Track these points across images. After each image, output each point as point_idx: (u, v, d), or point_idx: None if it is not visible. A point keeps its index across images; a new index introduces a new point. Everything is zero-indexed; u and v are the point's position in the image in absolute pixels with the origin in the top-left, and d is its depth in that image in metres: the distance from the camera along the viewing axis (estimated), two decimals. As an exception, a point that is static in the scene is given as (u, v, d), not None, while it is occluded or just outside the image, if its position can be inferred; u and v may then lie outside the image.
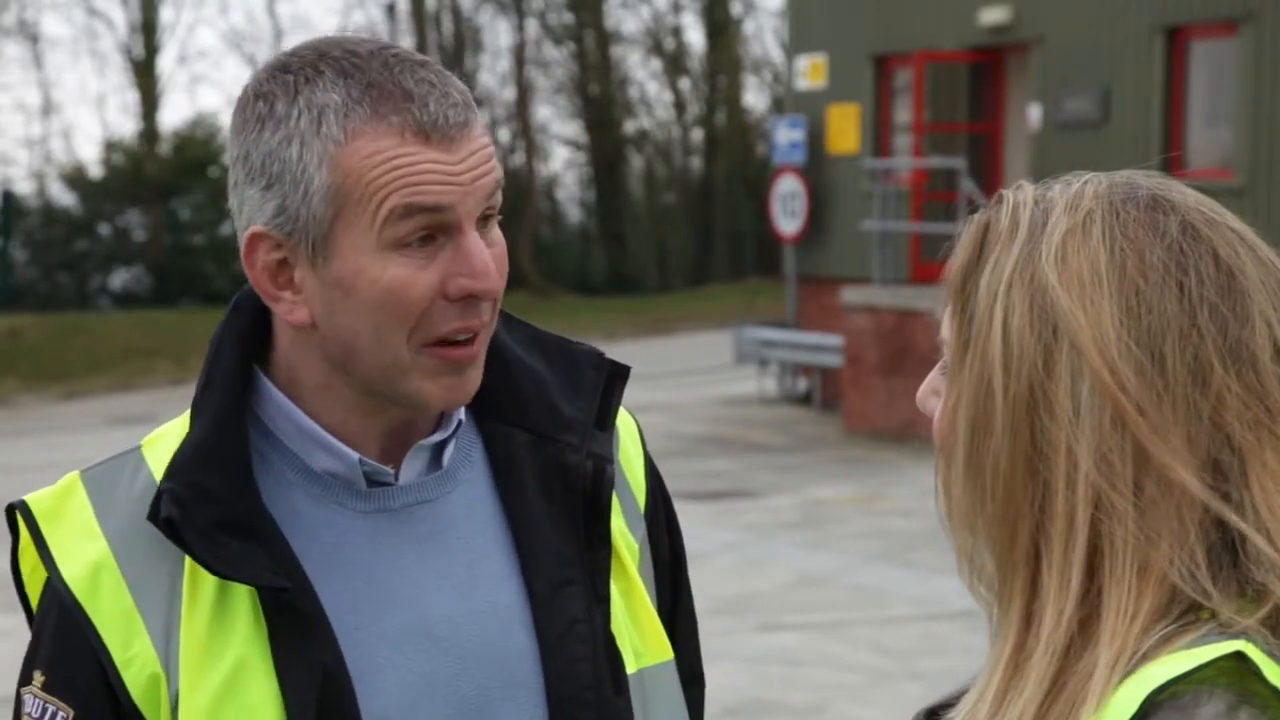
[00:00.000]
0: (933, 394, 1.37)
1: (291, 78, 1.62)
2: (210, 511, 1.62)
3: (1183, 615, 1.23)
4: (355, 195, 1.59)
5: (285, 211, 1.61)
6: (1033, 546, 1.28)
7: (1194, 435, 1.25)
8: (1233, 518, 1.24)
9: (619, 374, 1.80)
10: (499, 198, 1.66)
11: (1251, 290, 1.28)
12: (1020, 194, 1.34)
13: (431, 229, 1.61)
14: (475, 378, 1.68)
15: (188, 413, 1.71)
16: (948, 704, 1.41)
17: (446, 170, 1.60)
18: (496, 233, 1.67)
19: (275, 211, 1.62)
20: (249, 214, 1.64)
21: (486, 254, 1.63)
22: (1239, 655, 1.20)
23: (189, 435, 1.67)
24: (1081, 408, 1.25)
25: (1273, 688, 1.19)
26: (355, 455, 1.68)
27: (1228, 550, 1.25)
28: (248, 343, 1.71)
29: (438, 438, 1.72)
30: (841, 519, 11.69)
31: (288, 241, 1.63)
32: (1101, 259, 1.27)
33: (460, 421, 1.74)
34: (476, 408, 1.76)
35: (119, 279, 30.33)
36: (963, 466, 1.31)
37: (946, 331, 1.35)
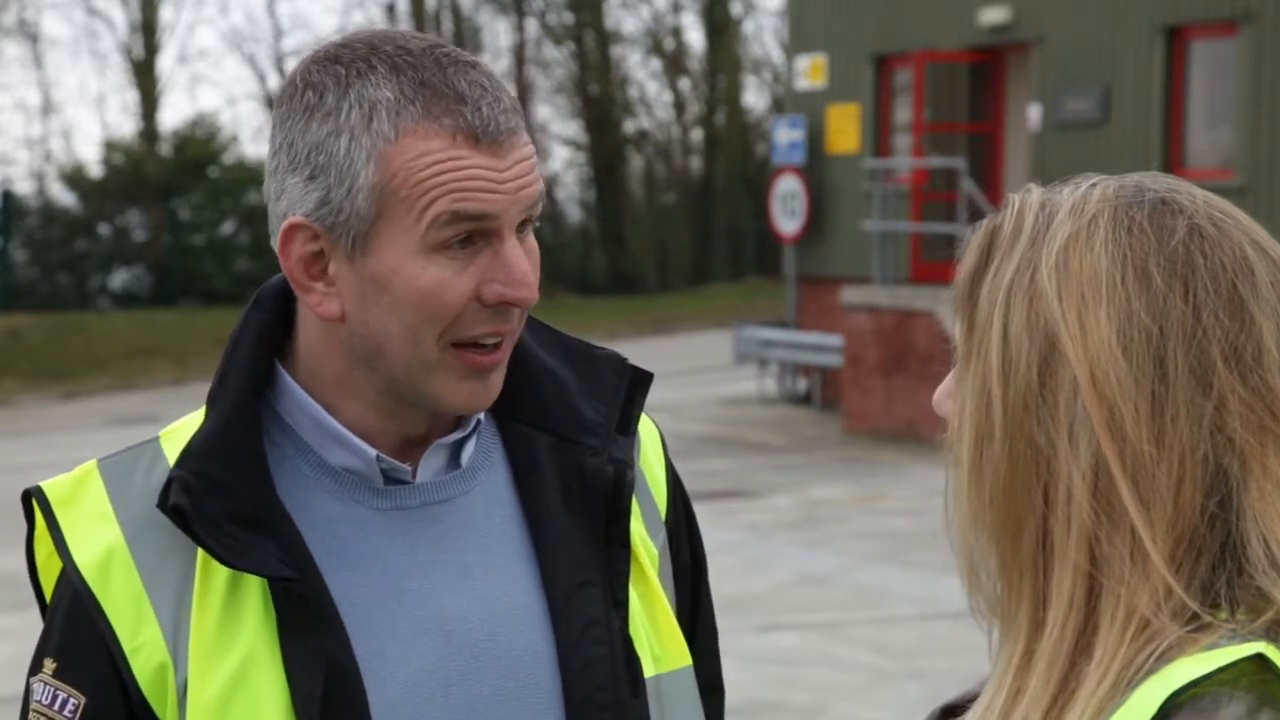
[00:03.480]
0: (948, 397, 1.37)
1: (342, 70, 1.61)
2: (220, 502, 1.61)
3: (1191, 619, 1.22)
4: (401, 194, 1.59)
5: (328, 204, 1.61)
6: (1036, 553, 1.28)
7: (1195, 439, 1.24)
8: (1231, 523, 1.24)
9: (641, 380, 1.80)
10: (539, 208, 1.66)
11: (1260, 292, 1.27)
12: (1027, 198, 1.34)
13: (473, 233, 1.61)
14: (498, 383, 1.68)
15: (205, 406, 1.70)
16: (961, 705, 1.40)
17: (494, 177, 1.60)
18: (531, 240, 1.67)
19: (318, 203, 1.61)
20: (288, 203, 1.63)
21: (525, 263, 1.63)
22: (1260, 657, 1.20)
23: (202, 426, 1.67)
24: (1076, 416, 1.25)
25: None
26: (373, 452, 1.68)
27: (1232, 555, 1.24)
28: (267, 337, 1.71)
29: (456, 436, 1.72)
30: (842, 519, 11.68)
31: (327, 234, 1.62)
32: (1103, 264, 1.26)
33: (479, 421, 1.74)
34: (497, 408, 1.75)
35: (119, 279, 30.32)
36: (967, 473, 1.31)
37: (958, 336, 1.35)
